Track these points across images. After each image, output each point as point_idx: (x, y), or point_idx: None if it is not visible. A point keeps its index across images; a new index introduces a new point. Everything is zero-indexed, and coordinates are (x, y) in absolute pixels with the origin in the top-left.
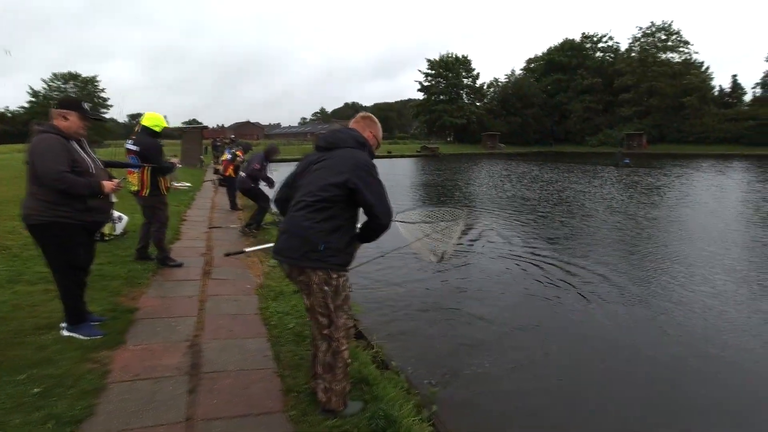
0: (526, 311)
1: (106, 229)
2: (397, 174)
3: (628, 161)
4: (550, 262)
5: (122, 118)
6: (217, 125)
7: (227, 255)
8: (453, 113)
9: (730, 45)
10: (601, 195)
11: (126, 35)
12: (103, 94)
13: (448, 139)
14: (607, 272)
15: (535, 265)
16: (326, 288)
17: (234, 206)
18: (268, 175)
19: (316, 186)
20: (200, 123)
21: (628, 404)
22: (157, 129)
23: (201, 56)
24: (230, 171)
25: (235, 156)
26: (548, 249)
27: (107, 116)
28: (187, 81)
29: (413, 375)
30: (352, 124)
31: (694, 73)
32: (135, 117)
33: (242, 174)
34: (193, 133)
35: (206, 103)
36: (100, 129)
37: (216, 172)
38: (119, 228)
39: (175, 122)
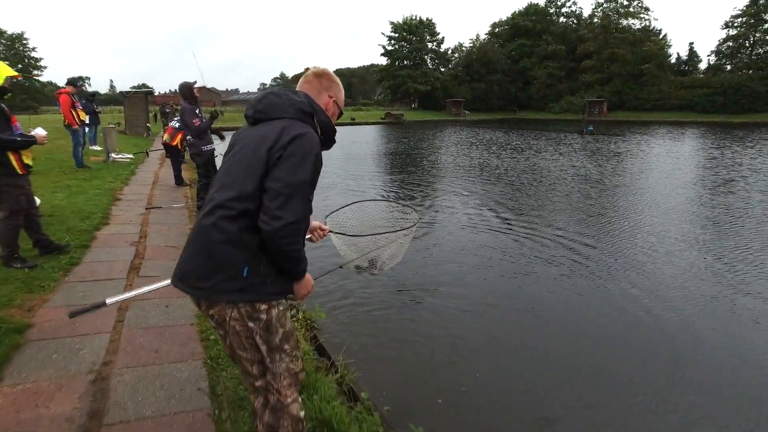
0: (502, 296)
1: None
2: (362, 142)
3: (592, 129)
4: (525, 234)
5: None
6: (170, 90)
7: (72, 316)
8: (417, 79)
9: (688, 13)
10: (571, 163)
11: None
12: (34, 54)
13: (413, 106)
14: (579, 242)
15: (510, 237)
16: (251, 325)
17: (180, 181)
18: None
19: (232, 179)
20: (150, 88)
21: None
22: None
23: (155, 18)
24: (177, 140)
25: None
26: (518, 219)
27: (43, 79)
28: (138, 42)
29: (391, 412)
30: (301, 85)
31: (653, 41)
32: (77, 81)
33: (189, 138)
34: (136, 97)
35: (159, 68)
36: (36, 94)
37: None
38: None
39: (123, 86)
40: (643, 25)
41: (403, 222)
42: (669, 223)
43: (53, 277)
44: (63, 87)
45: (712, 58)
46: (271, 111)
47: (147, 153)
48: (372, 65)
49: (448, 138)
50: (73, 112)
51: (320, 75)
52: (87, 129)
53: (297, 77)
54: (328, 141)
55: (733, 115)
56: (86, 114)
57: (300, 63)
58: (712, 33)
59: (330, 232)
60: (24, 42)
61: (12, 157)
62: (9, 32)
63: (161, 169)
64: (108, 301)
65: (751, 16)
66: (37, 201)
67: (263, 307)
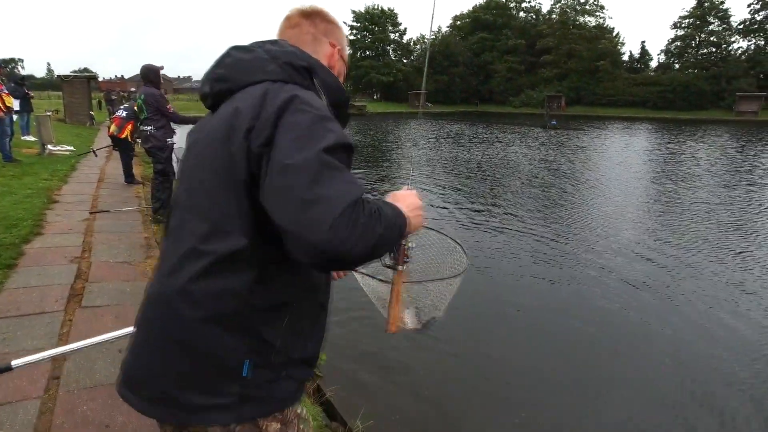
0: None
1: None
2: None
3: (555, 123)
4: (513, 231)
5: None
6: (116, 76)
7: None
8: (380, 70)
9: (641, 12)
10: (541, 157)
11: None
12: None
13: (375, 97)
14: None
15: (505, 234)
16: None
17: (130, 178)
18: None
19: (198, 201)
20: (92, 72)
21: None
22: None
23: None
24: (127, 132)
25: (133, 112)
26: (503, 214)
27: None
28: (81, 24)
29: None
30: (284, 31)
31: (608, 38)
32: (8, 63)
33: (146, 129)
34: (78, 82)
35: (99, 52)
36: None
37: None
38: None
39: (63, 70)
40: (597, 22)
41: (452, 263)
42: (645, 216)
43: None
44: None
45: (662, 56)
46: (240, 74)
47: (94, 152)
48: None
49: (414, 130)
50: None
51: (311, 14)
52: (16, 117)
53: None
54: (340, 117)
55: (681, 111)
56: (15, 99)
57: None
58: (662, 32)
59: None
60: None
61: None
62: None
63: (107, 164)
64: (15, 363)
65: (697, 17)
66: None
67: (273, 426)
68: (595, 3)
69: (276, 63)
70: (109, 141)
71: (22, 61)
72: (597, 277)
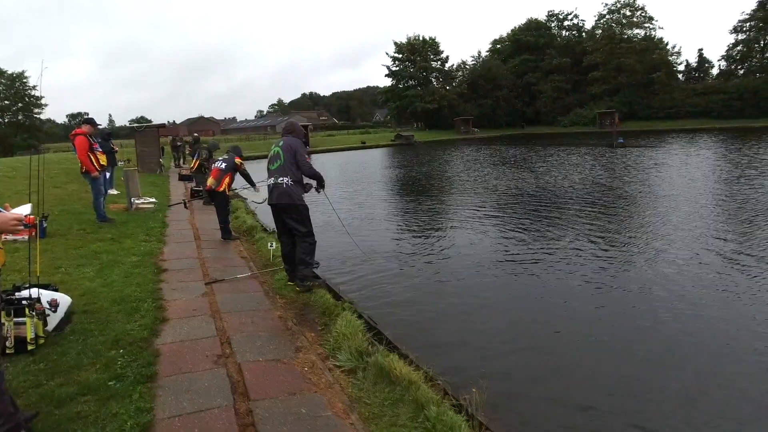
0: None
1: (27, 330)
2: (384, 167)
3: (622, 140)
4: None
5: (61, 118)
6: (168, 122)
7: None
8: (424, 98)
9: (695, 19)
10: (629, 179)
11: (83, 32)
12: (34, 92)
13: (416, 126)
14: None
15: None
16: None
17: (227, 234)
18: None
19: None
20: (149, 121)
21: None
22: None
23: (151, 52)
24: (225, 185)
25: (232, 164)
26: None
27: (42, 117)
28: (136, 78)
29: None
30: None
31: (661, 48)
32: (76, 117)
33: (289, 182)
34: (149, 132)
35: (156, 100)
36: (36, 132)
37: (192, 181)
38: (55, 319)
39: (122, 121)
40: (647, 34)
41: None
42: None
43: None
44: (78, 127)
45: (723, 63)
46: None
47: (185, 204)
48: (368, 87)
49: (471, 158)
50: (92, 157)
51: None
52: (108, 174)
53: (294, 102)
54: None
55: (752, 119)
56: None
57: (297, 89)
58: (721, 38)
59: None
60: (24, 81)
61: None
62: (9, 72)
63: (194, 216)
64: None
65: (759, 19)
66: (63, 301)
67: None
68: (643, 15)
69: None
70: (183, 188)
71: (87, 114)
72: None
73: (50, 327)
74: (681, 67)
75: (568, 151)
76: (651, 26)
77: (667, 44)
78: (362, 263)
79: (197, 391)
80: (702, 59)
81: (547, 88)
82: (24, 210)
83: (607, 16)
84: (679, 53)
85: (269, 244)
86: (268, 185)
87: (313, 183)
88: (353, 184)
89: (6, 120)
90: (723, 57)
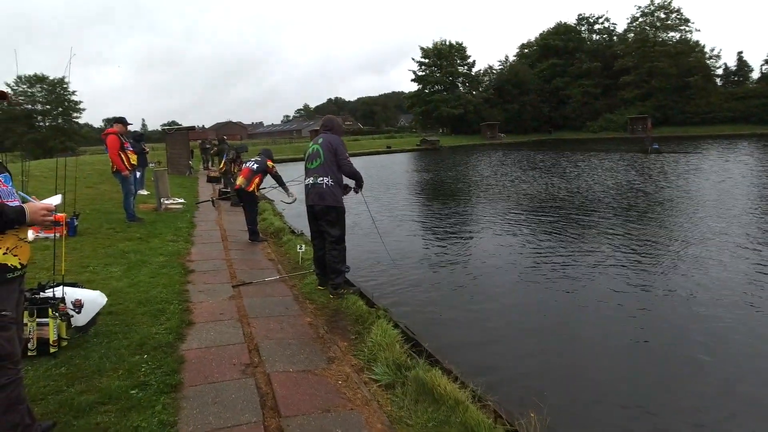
0: None
1: (49, 331)
2: (411, 171)
3: (657, 146)
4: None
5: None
6: (197, 126)
7: None
8: (450, 103)
9: (734, 22)
10: (668, 184)
11: (123, 40)
12: (74, 98)
13: (441, 131)
14: None
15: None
16: None
17: (255, 235)
18: None
19: None
20: (180, 125)
21: None
22: None
23: (182, 58)
24: (254, 185)
25: (264, 166)
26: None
27: (80, 121)
28: (169, 84)
29: None
30: None
31: (698, 51)
32: (111, 121)
33: (329, 182)
34: (179, 135)
35: (187, 105)
36: (74, 135)
37: (220, 183)
38: (82, 319)
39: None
40: (683, 37)
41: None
42: None
43: None
44: (109, 126)
45: (765, 66)
46: None
47: (213, 202)
48: (393, 93)
49: (498, 162)
50: (122, 156)
51: None
52: (138, 174)
53: (319, 108)
54: None
55: None
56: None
57: (323, 95)
58: (761, 41)
59: None
60: (65, 86)
61: None
62: (51, 77)
63: (221, 217)
64: None
65: None
66: (92, 299)
67: None
68: (678, 17)
69: None
70: (212, 189)
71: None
72: None
73: (80, 323)
74: (719, 71)
75: (599, 157)
76: (687, 29)
77: (704, 47)
78: (391, 268)
79: (224, 404)
80: (741, 62)
81: (575, 93)
82: (54, 200)
83: (641, 19)
84: (718, 56)
85: (298, 247)
86: (306, 185)
87: (352, 183)
88: (379, 187)
89: (47, 124)
90: (765, 61)
